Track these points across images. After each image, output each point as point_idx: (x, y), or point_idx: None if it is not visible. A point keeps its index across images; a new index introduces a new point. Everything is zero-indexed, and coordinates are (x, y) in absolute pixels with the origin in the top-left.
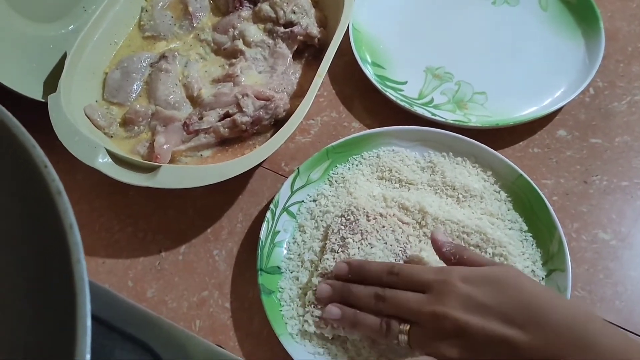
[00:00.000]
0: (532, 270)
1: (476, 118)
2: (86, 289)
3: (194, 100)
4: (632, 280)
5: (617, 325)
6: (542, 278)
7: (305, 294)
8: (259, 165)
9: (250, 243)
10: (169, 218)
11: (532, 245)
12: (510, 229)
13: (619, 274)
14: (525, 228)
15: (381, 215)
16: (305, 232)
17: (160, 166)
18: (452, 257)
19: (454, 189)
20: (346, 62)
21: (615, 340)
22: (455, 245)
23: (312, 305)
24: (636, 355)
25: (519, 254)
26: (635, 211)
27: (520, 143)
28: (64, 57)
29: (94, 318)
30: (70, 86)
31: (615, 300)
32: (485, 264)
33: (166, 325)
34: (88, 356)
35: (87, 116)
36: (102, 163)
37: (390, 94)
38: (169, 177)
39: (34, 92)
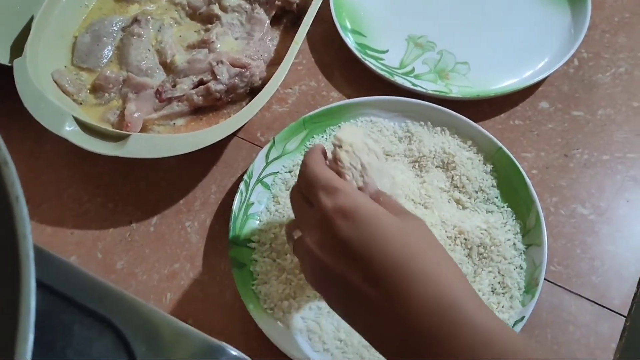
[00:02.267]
0: (514, 243)
1: (457, 89)
2: (31, 266)
3: (168, 67)
4: (609, 255)
5: (593, 301)
6: (523, 251)
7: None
8: (234, 135)
9: (224, 215)
10: (140, 188)
11: (512, 217)
12: (490, 201)
13: (597, 249)
14: (504, 201)
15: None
16: (279, 203)
17: (130, 135)
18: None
19: (433, 157)
20: (326, 30)
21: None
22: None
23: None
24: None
25: (501, 225)
26: (615, 185)
27: (502, 115)
28: (32, 20)
29: (53, 292)
30: (37, 50)
31: (592, 275)
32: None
33: (129, 299)
34: (31, 335)
35: (55, 82)
36: (69, 131)
37: (371, 62)
38: (139, 147)
39: (0, 56)
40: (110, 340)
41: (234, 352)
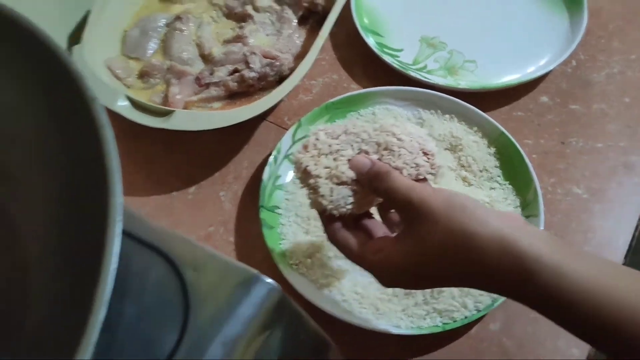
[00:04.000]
0: None
1: (465, 82)
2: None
3: (206, 58)
4: (600, 228)
5: None
6: None
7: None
8: (264, 119)
9: (254, 186)
10: (180, 163)
11: (513, 193)
12: (493, 179)
13: (589, 223)
14: (505, 179)
15: None
16: None
17: (174, 110)
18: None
19: (442, 140)
20: (347, 30)
21: None
22: (372, 173)
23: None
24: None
25: (502, 199)
26: (606, 170)
27: (506, 107)
28: (88, 14)
29: None
30: (92, 40)
31: (585, 245)
32: (396, 202)
33: (178, 235)
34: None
35: (108, 68)
36: (121, 106)
37: (387, 59)
38: (182, 120)
39: (61, 44)
40: (164, 267)
41: (268, 280)
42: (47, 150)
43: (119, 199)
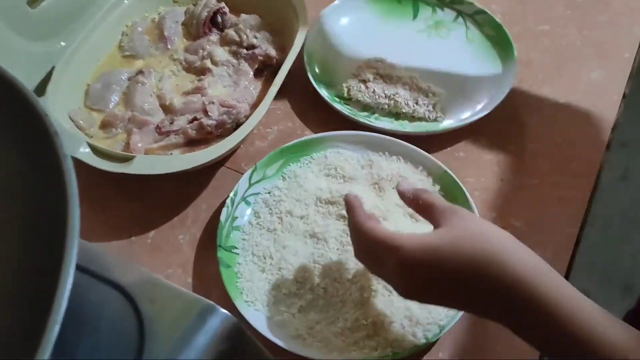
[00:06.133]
0: None
1: (411, 127)
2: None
3: (167, 109)
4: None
5: None
6: None
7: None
8: (222, 164)
9: (212, 229)
10: (140, 208)
11: None
12: None
13: None
14: None
15: (329, 202)
16: (260, 217)
17: (135, 156)
18: (413, 202)
19: (390, 180)
20: (300, 83)
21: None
22: (414, 191)
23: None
24: None
25: None
26: (541, 203)
27: (449, 148)
28: (53, 70)
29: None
30: (56, 93)
31: None
32: (436, 208)
33: (136, 267)
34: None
35: (71, 119)
36: (83, 153)
37: (337, 106)
38: (143, 165)
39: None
40: (120, 300)
41: (223, 310)
42: (11, 185)
43: (76, 228)
